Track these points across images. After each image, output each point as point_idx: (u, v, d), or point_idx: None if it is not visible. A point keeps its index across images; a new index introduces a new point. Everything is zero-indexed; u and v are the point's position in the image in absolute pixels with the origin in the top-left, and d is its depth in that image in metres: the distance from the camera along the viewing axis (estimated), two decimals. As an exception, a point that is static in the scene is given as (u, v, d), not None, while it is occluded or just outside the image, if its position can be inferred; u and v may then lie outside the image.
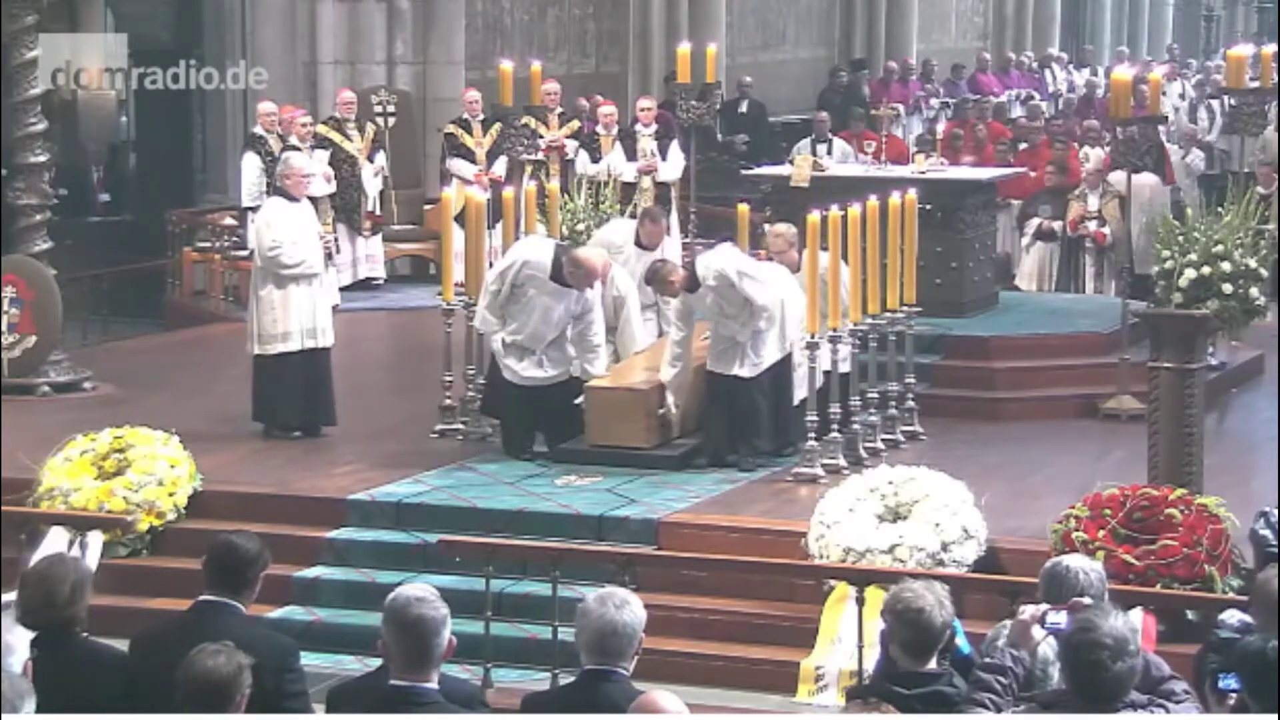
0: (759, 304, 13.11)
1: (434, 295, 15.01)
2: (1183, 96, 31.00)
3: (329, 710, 7.06)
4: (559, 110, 20.47)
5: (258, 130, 19.68)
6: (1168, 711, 6.73)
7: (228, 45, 22.07)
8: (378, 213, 20.35)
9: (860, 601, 10.68)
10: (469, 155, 20.29)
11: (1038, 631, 7.09)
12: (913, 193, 14.19)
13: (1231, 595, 10.37)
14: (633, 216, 15.46)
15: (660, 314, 14.66)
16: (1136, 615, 9.65)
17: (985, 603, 10.35)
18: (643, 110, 20.27)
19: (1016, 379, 15.53)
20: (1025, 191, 20.44)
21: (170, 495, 12.65)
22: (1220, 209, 12.15)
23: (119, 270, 20.48)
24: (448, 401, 14.22)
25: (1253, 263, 11.78)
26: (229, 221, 20.44)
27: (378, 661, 6.81)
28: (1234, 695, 6.69)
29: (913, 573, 9.77)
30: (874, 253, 13.57)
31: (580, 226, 15.21)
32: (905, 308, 14.00)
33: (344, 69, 21.62)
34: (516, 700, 7.36)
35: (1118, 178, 16.11)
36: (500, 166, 19.94)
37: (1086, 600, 6.99)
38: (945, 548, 11.37)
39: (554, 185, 15.78)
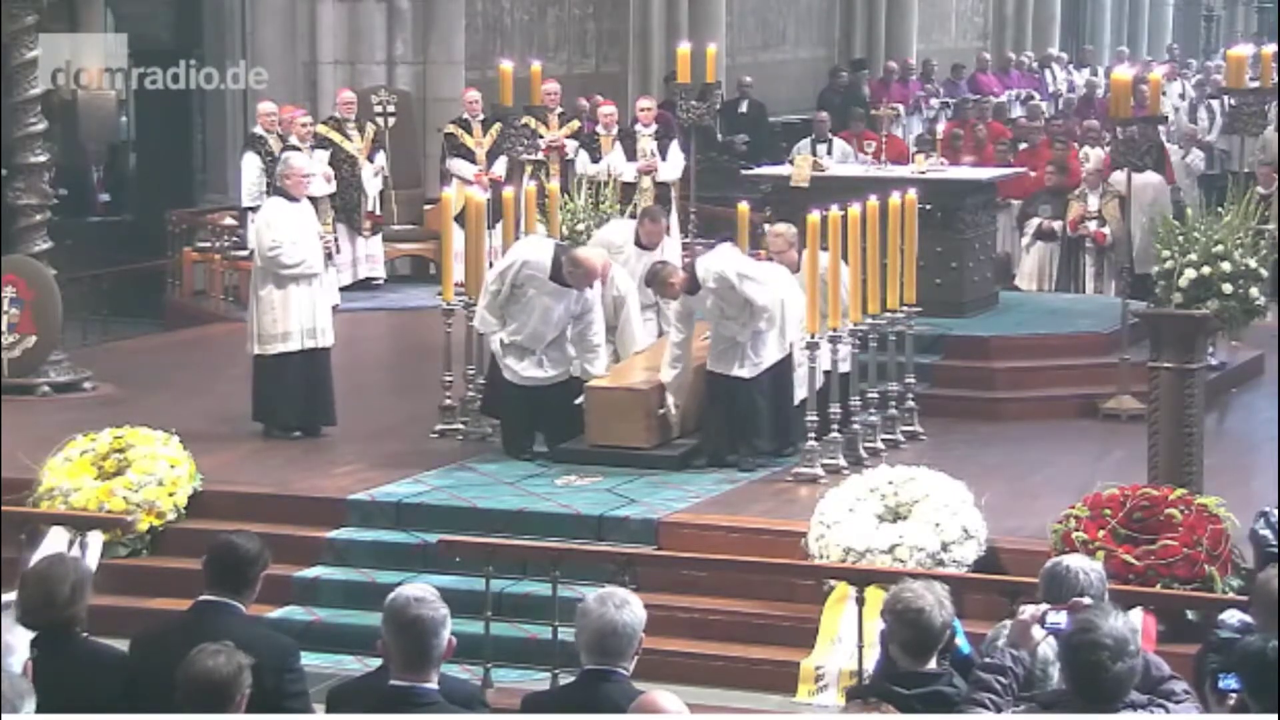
0: (759, 305, 13.11)
1: (434, 295, 15.01)
2: (1183, 96, 31.00)
3: (329, 710, 7.07)
4: (559, 110, 20.47)
5: (258, 130, 19.68)
6: (1168, 711, 6.73)
7: (228, 45, 22.07)
8: (378, 213, 20.35)
9: (860, 601, 10.68)
10: (469, 155, 20.29)
11: (1038, 631, 7.09)
12: (913, 193, 14.19)
13: (1231, 595, 10.36)
14: (632, 217, 15.46)
15: (660, 314, 14.66)
16: (1136, 615, 9.65)
17: (985, 603, 10.34)
18: (643, 110, 20.28)
19: (1016, 379, 15.53)
20: (1025, 191, 20.44)
21: (170, 495, 12.65)
22: (1220, 209, 12.15)
23: (119, 270, 20.48)
24: (448, 401, 14.23)
25: (1253, 263, 11.78)
26: (229, 221, 20.44)
27: (378, 661, 6.81)
28: (1234, 695, 6.69)
29: (913, 573, 9.77)
30: (874, 253, 13.57)
31: (580, 226, 15.21)
32: (905, 308, 14.00)
33: (344, 69, 21.62)
34: (516, 700, 7.36)
35: (1119, 178, 16.10)
36: (500, 166, 19.94)
37: (1086, 600, 6.99)
38: (945, 548, 11.37)
39: (554, 185, 15.78)
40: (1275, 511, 10.21)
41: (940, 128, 24.34)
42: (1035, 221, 19.51)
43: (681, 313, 13.53)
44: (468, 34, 22.43)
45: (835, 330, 13.23)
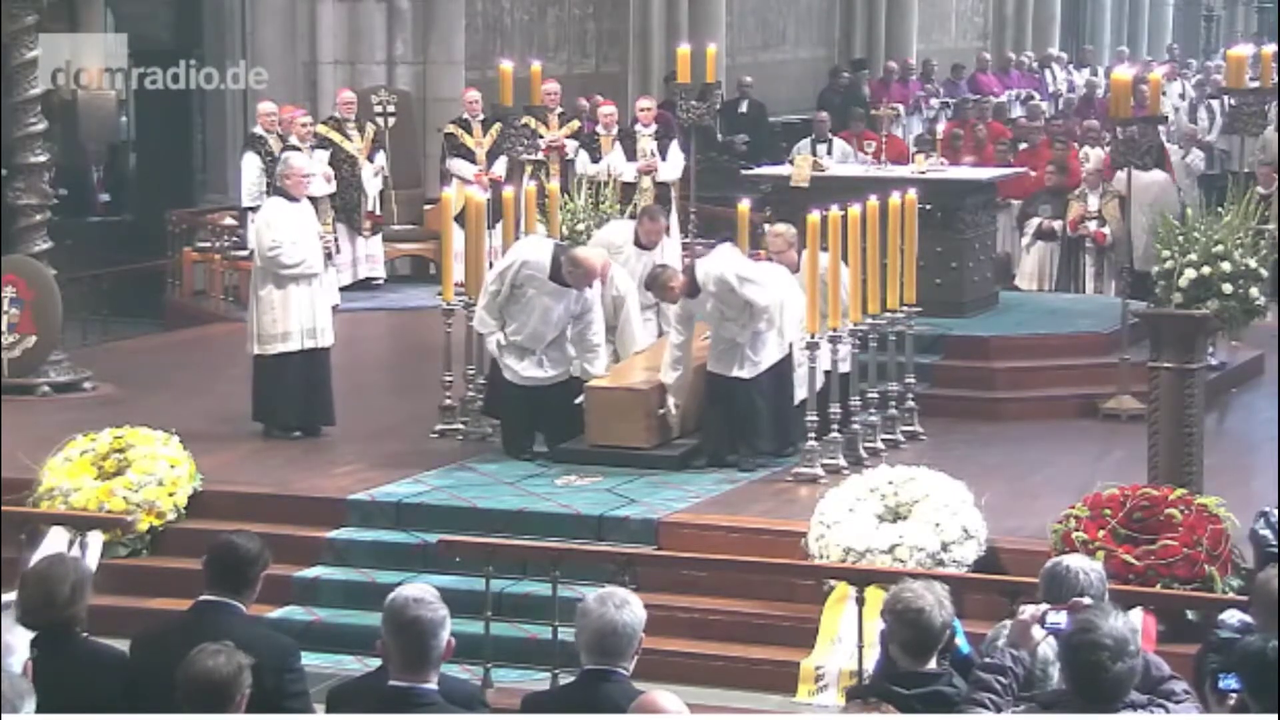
0: (760, 305, 13.11)
1: (434, 295, 15.01)
2: (1183, 96, 31.00)
3: (329, 710, 7.07)
4: (559, 110, 20.48)
5: (258, 130, 19.68)
6: (1168, 711, 6.73)
7: (228, 45, 22.07)
8: (378, 213, 20.35)
9: (860, 601, 10.68)
10: (469, 155, 20.29)
11: (1038, 631, 7.09)
12: (913, 193, 14.19)
13: (1231, 595, 10.36)
14: (632, 217, 15.45)
15: (660, 314, 14.66)
16: (1136, 615, 9.65)
17: (985, 603, 10.34)
18: (643, 110, 20.28)
19: (1016, 379, 15.53)
20: (1025, 191, 20.44)
21: (170, 495, 12.65)
22: (1220, 209, 12.15)
23: (119, 270, 20.47)
24: (448, 401, 14.23)
25: (1253, 263, 11.78)
26: (229, 221, 20.44)
27: (378, 661, 6.80)
28: (1234, 695, 6.69)
29: (913, 573, 9.77)
30: (874, 253, 13.57)
31: (580, 226, 15.21)
32: (905, 308, 14.00)
33: (344, 69, 21.62)
34: (516, 700, 7.36)
35: (1123, 177, 16.10)
36: (500, 166, 19.94)
37: (1086, 600, 6.99)
38: (945, 548, 11.37)
39: (554, 185, 15.78)
40: (1275, 511, 10.21)
41: (940, 128, 24.34)
42: (1035, 221, 19.51)
43: (681, 315, 13.52)
44: (468, 34, 22.43)
45: (835, 330, 13.23)
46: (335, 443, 14.26)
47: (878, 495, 11.76)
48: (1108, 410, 14.97)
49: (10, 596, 7.50)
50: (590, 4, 25.71)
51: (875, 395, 13.80)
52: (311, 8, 21.47)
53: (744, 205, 14.43)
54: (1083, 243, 18.97)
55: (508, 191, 15.46)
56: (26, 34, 16.05)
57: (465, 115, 20.50)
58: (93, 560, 11.41)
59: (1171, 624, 10.47)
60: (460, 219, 15.65)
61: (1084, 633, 6.38)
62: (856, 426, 13.49)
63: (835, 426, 13.24)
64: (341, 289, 17.78)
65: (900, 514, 11.69)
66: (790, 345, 13.36)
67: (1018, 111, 29.06)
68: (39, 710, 6.23)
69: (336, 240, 18.58)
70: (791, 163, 17.33)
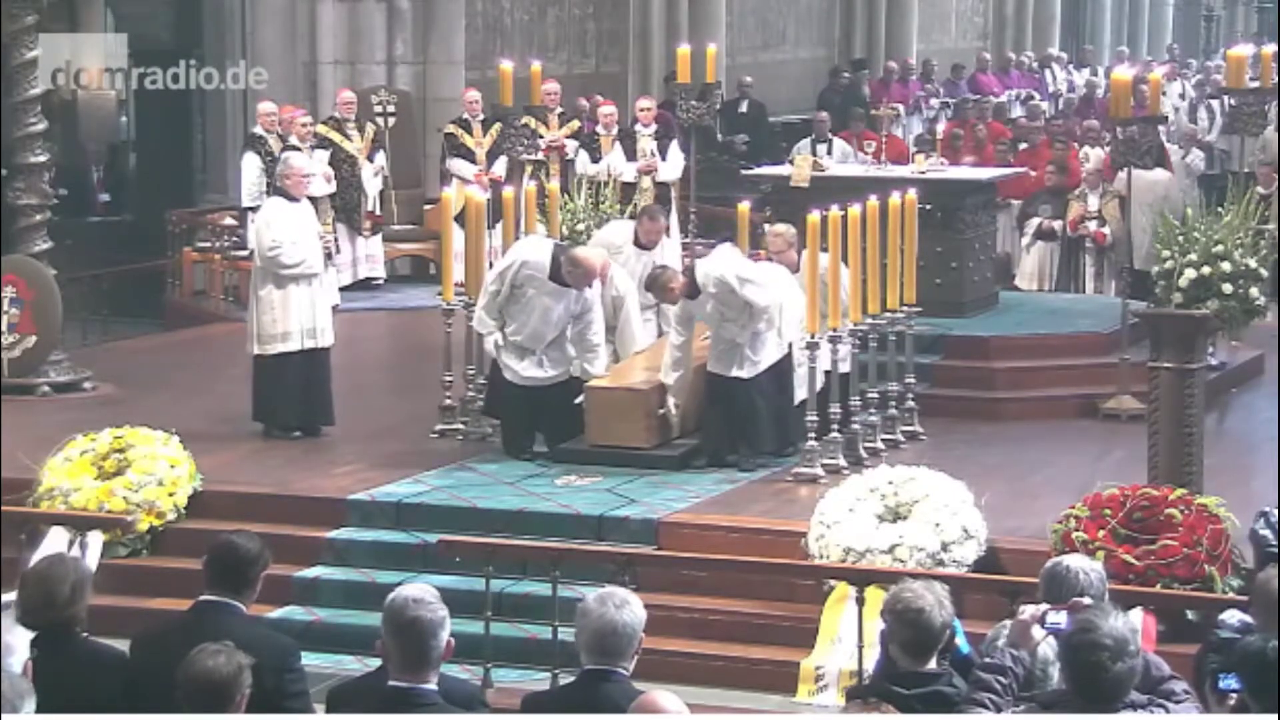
0: (759, 306, 13.11)
1: (434, 295, 15.01)
2: (1183, 96, 31.00)
3: (329, 710, 7.07)
4: (559, 110, 20.48)
5: (258, 130, 19.68)
6: (1168, 711, 6.73)
7: (228, 45, 22.07)
8: (378, 213, 20.36)
9: (860, 601, 10.68)
10: (469, 155, 20.29)
11: (1038, 631, 7.09)
12: (913, 193, 14.19)
13: (1231, 595, 10.36)
14: (632, 217, 15.45)
15: (660, 314, 14.66)
16: (1136, 615, 9.65)
17: (985, 603, 10.34)
18: (642, 110, 20.28)
19: (1016, 379, 15.53)
20: (1025, 191, 20.44)
21: (170, 495, 12.65)
22: (1220, 209, 12.15)
23: (119, 270, 20.48)
24: (448, 401, 14.23)
25: (1253, 263, 11.78)
26: (229, 221, 20.44)
27: (378, 661, 6.81)
28: (1234, 695, 6.69)
29: (913, 573, 9.77)
30: (874, 253, 13.57)
31: (580, 226, 15.21)
32: (905, 308, 14.00)
33: (344, 69, 21.62)
34: (516, 700, 7.36)
35: (1122, 178, 16.10)
36: (500, 166, 19.94)
37: (1086, 600, 6.99)
38: (945, 548, 11.37)
39: (554, 185, 15.78)
40: (1275, 511, 10.20)
41: (940, 128, 24.35)
42: (1035, 221, 19.51)
43: (681, 316, 13.52)
44: (468, 34, 22.43)
45: (835, 330, 13.23)
46: (335, 443, 14.26)
47: (878, 495, 11.76)
48: (1108, 410, 14.97)
49: (10, 596, 7.50)
50: (590, 4, 25.71)
51: (875, 395, 13.80)
52: (311, 8, 21.47)
53: (744, 205, 14.43)
54: (1083, 243, 18.97)
55: (508, 191, 15.46)
56: (26, 34, 16.05)
57: (465, 115, 20.50)
58: (93, 560, 11.41)
59: (1171, 624, 10.47)
60: (460, 219, 15.64)
61: (1084, 633, 6.38)
62: (856, 426, 13.49)
63: (835, 426, 13.24)
64: (341, 289, 17.77)
65: (900, 514, 11.69)
66: (790, 345, 13.36)
67: (1018, 111, 29.07)
68: (39, 710, 6.23)
69: (336, 240, 18.57)
70: (791, 163, 17.33)
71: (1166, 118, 23.42)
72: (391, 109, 21.07)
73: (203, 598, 7.37)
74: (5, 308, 15.95)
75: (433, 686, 6.54)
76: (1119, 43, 40.14)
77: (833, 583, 11.32)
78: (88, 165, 23.19)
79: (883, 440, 13.77)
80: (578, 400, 13.49)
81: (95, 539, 11.94)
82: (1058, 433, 14.59)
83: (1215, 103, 28.80)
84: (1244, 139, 17.47)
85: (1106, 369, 15.35)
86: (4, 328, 15.94)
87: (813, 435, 13.05)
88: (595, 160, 19.64)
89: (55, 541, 11.77)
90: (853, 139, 23.88)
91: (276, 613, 11.69)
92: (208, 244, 20.51)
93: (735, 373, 13.25)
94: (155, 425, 13.18)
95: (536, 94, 17.49)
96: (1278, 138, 20.95)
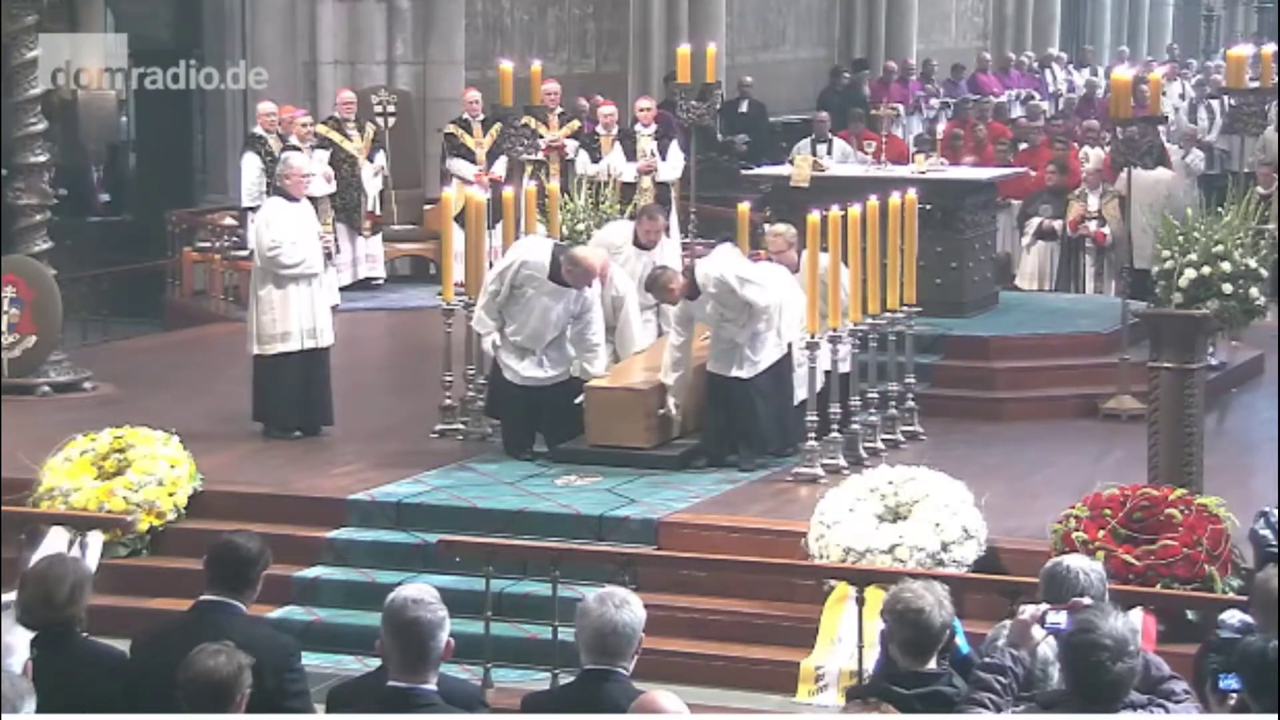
0: (759, 306, 13.11)
1: (434, 295, 15.01)
2: (1183, 96, 31.01)
3: (329, 710, 7.07)
4: (559, 110, 20.48)
5: (258, 130, 19.68)
6: (1168, 711, 6.73)
7: (228, 45, 22.07)
8: (378, 213, 20.36)
9: (860, 601, 10.68)
10: (469, 155, 20.29)
11: (1038, 631, 7.09)
12: (913, 193, 14.19)
13: (1231, 595, 10.36)
14: (632, 217, 15.45)
15: (660, 314, 14.66)
16: (1136, 615, 9.65)
17: (985, 603, 10.34)
18: (642, 110, 20.28)
19: (1016, 379, 15.53)
20: (1025, 191, 20.45)
21: (170, 495, 12.65)
22: (1220, 209, 12.15)
23: (119, 270, 20.48)
24: (448, 401, 14.23)
25: (1253, 263, 11.78)
26: (229, 221, 20.45)
27: (378, 661, 6.80)
28: (1234, 695, 6.70)
29: (913, 573, 9.77)
30: (874, 253, 13.57)
31: (580, 226, 15.21)
32: (905, 308, 14.00)
33: (344, 69, 21.62)
34: (516, 700, 7.36)
35: (1123, 178, 16.10)
36: (500, 166, 19.94)
37: (1086, 600, 6.99)
38: (945, 548, 11.37)
39: (554, 185, 15.78)
40: (1275, 511, 10.21)
41: (940, 128, 24.38)
42: (1035, 221, 19.50)
43: (681, 316, 13.52)
44: (468, 34, 22.44)
45: (835, 330, 13.23)
46: (335, 443, 14.26)
47: (878, 495, 11.76)
48: (1108, 410, 14.97)
49: (10, 596, 7.50)
50: (590, 4, 25.71)
51: (875, 395, 13.80)
52: (311, 8, 21.47)
53: (744, 205, 14.43)
54: (1083, 243, 18.97)
55: (508, 191, 15.47)
56: (26, 34, 16.05)
57: (465, 115, 20.50)
58: (93, 560, 11.41)
59: (1171, 624, 10.47)
60: (460, 219, 15.64)
61: (1084, 633, 6.38)
62: (856, 426, 13.49)
63: (835, 426, 13.24)
64: (341, 289, 17.79)
65: (900, 514, 11.69)
66: (790, 345, 13.36)
67: (1018, 111, 29.07)
68: (39, 710, 6.23)
69: (336, 240, 18.59)
70: (791, 163, 17.32)
71: (1166, 118, 23.42)
72: (391, 109, 21.07)
73: (203, 598, 7.37)
74: (5, 308, 15.95)
75: (432, 687, 6.54)
76: (1119, 43, 40.14)
77: (833, 583, 11.32)
78: (88, 165, 23.21)
79: (883, 440, 13.77)
80: (578, 400, 13.49)
81: (95, 539, 11.94)
82: (1058, 433, 14.59)
83: (1215, 103, 28.81)
84: (1244, 139, 17.48)
85: (1106, 369, 15.35)
86: (4, 328, 15.94)
87: (813, 435, 13.05)
88: (595, 160, 19.64)
89: (55, 541, 11.77)
90: (853, 139, 23.88)
91: (276, 613, 11.69)
92: (208, 244, 20.52)
93: (735, 373, 13.25)
94: (155, 425, 13.18)
95: (536, 94, 17.49)
96: (1278, 138, 20.95)
